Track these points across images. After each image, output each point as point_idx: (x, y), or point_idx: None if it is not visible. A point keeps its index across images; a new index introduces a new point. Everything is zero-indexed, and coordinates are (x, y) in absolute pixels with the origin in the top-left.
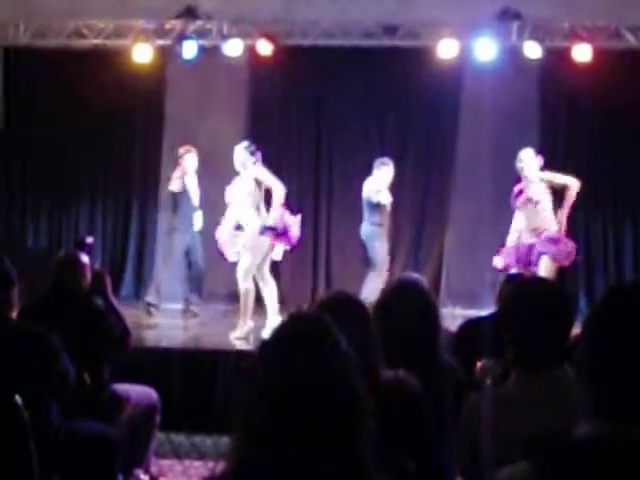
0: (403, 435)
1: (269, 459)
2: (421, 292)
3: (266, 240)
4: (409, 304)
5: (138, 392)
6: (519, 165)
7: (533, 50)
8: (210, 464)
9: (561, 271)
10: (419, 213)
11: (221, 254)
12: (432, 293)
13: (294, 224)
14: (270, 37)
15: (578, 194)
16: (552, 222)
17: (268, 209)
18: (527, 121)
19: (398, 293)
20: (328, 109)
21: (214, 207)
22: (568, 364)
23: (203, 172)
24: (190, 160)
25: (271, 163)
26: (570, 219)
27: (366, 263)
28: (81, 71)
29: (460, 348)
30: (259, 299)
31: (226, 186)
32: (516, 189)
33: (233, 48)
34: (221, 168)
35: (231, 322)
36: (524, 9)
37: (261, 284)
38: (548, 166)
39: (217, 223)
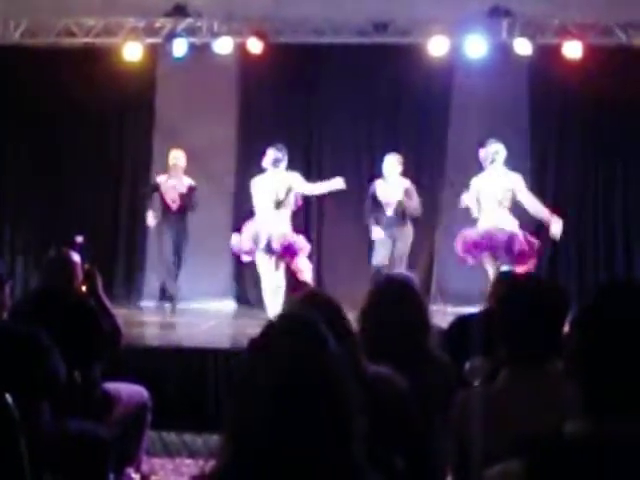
0: (390, 432)
1: (259, 458)
2: (410, 289)
3: None
4: (398, 301)
5: (129, 391)
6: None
7: (523, 47)
8: (201, 462)
9: (554, 267)
10: None
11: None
12: (421, 290)
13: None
14: (260, 35)
15: (568, 191)
16: None
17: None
18: (518, 118)
19: (387, 290)
20: (318, 107)
21: (205, 203)
22: (559, 360)
23: (194, 169)
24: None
25: (260, 161)
26: (561, 217)
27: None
28: (71, 70)
29: (450, 345)
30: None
31: (214, 183)
32: None
33: (223, 46)
34: (211, 165)
35: (223, 321)
36: (514, 6)
37: None
38: (538, 162)
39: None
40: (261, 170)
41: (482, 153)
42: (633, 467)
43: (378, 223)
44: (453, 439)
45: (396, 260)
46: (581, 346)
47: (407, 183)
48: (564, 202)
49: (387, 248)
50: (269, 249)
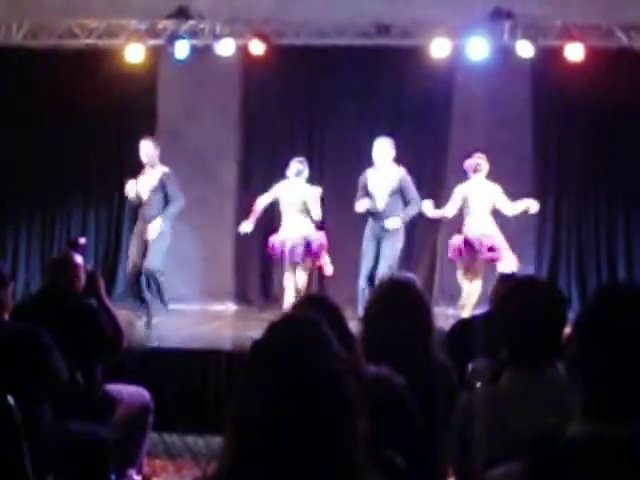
0: (390, 432)
1: (261, 460)
2: (414, 291)
3: None
4: (402, 303)
5: (131, 392)
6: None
7: (525, 49)
8: (203, 464)
9: (555, 270)
10: None
11: None
12: (425, 292)
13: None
14: (262, 37)
15: (569, 193)
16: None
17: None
18: (519, 120)
19: (390, 292)
20: (320, 109)
21: (207, 205)
22: (561, 363)
23: (195, 171)
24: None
25: (263, 163)
26: (563, 219)
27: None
28: (73, 71)
29: (452, 347)
30: (268, 295)
31: (216, 185)
32: None
33: (225, 48)
34: (213, 167)
35: (224, 322)
36: (516, 8)
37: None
38: (540, 164)
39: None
40: (263, 171)
41: (466, 164)
42: (635, 470)
43: (370, 215)
44: (456, 440)
45: (383, 262)
46: (582, 348)
47: (402, 171)
48: (565, 203)
49: (372, 250)
50: (292, 258)
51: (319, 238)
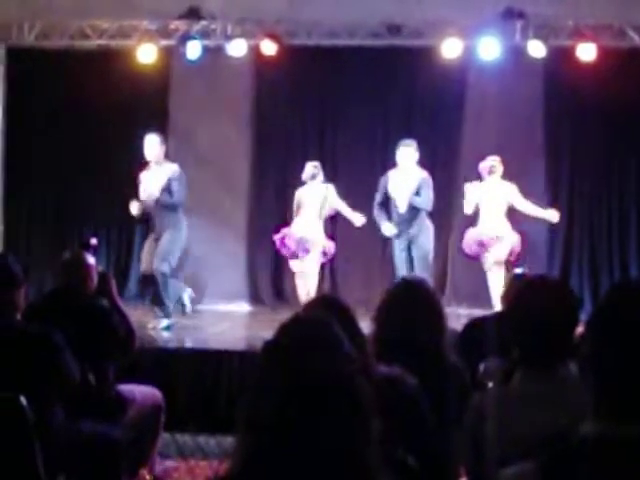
0: (402, 432)
1: (273, 460)
2: (426, 292)
3: None
4: (414, 304)
5: (143, 392)
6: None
7: (537, 49)
8: (215, 464)
9: (567, 271)
10: None
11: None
12: (437, 293)
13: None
14: (274, 37)
15: (582, 193)
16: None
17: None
18: (531, 120)
19: (403, 293)
20: (332, 109)
21: (219, 205)
22: (573, 363)
23: (207, 172)
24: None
25: (275, 163)
26: (575, 218)
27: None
28: (85, 71)
29: (465, 348)
30: (280, 295)
31: (228, 186)
32: None
33: (237, 48)
34: (225, 167)
35: (236, 322)
36: (528, 8)
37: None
38: (552, 164)
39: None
40: (276, 171)
41: (481, 166)
42: None
43: (390, 219)
44: (468, 440)
45: (416, 264)
46: (594, 347)
47: (424, 174)
48: (578, 203)
49: (404, 259)
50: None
51: (327, 245)
